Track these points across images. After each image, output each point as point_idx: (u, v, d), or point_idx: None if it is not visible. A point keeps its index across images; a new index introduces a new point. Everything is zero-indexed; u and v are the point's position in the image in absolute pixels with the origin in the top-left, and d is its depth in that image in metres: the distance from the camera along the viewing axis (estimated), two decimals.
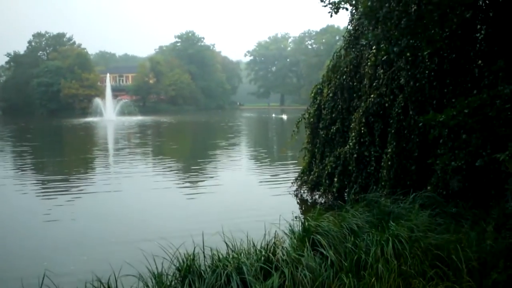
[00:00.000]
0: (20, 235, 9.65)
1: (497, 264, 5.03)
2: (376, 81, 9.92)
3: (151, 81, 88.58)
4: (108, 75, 76.69)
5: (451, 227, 6.61)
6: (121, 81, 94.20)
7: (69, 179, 16.46)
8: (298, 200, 11.85)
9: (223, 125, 47.65)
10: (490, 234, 5.73)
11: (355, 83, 10.73)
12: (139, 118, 59.65)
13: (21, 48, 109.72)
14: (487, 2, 7.98)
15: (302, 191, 12.08)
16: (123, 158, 21.68)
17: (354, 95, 10.73)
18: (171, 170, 17.76)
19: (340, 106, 10.98)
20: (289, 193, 12.39)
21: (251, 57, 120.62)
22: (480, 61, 8.21)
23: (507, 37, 7.55)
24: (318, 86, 12.12)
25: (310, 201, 11.46)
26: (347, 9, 7.30)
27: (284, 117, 57.75)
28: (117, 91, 79.46)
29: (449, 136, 8.11)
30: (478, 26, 8.23)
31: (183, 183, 15.33)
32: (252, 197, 12.95)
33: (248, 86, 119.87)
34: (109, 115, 61.67)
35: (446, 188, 8.23)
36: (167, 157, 22.03)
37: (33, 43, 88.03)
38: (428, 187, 8.41)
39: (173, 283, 5.33)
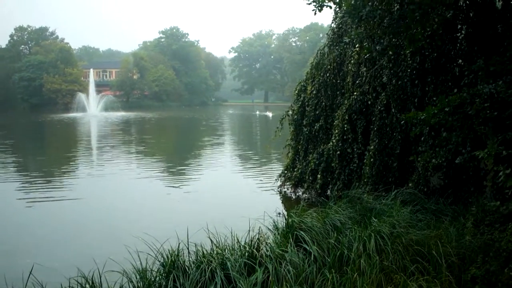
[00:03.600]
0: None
1: (475, 259, 5.12)
2: (359, 79, 9.98)
3: (134, 77, 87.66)
4: (91, 70, 75.50)
5: (432, 223, 6.71)
6: (104, 76, 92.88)
7: (48, 178, 16.21)
8: (282, 197, 11.87)
9: (207, 122, 47.47)
10: (469, 230, 5.82)
11: (338, 81, 10.77)
12: (122, 114, 59.03)
13: (3, 42, 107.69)
14: (467, 2, 8.09)
15: (285, 188, 12.11)
16: (107, 156, 21.41)
17: (338, 92, 10.76)
18: (154, 168, 17.57)
19: (323, 103, 11.02)
20: (273, 190, 12.41)
21: (235, 54, 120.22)
22: (460, 60, 8.33)
23: (486, 37, 7.67)
24: (302, 83, 12.15)
25: (293, 197, 11.49)
26: (330, 7, 7.28)
27: (269, 114, 57.70)
28: (101, 86, 78.35)
29: (430, 133, 8.21)
30: (459, 26, 8.34)
31: (167, 181, 15.20)
32: (237, 194, 12.95)
33: (232, 83, 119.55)
34: (93, 111, 60.89)
35: (427, 185, 8.34)
36: (150, 155, 21.79)
37: (15, 37, 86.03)
38: (410, 184, 8.53)
39: (157, 278, 5.30)
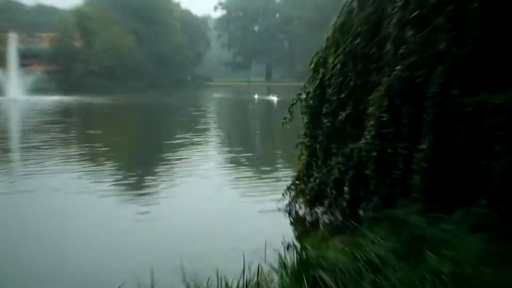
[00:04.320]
0: None
1: None
2: (403, 47, 9.84)
3: (77, 44, 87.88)
4: (12, 34, 75.50)
5: None
6: (32, 43, 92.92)
7: None
8: (292, 219, 11.88)
9: (184, 111, 47.49)
10: None
11: (373, 50, 10.67)
12: (58, 98, 59.05)
13: None
14: None
15: (297, 206, 12.11)
16: (31, 162, 21.26)
17: (372, 66, 10.67)
18: (105, 179, 17.33)
19: (352, 83, 10.95)
20: (279, 209, 12.38)
21: (224, 12, 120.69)
22: None
23: None
24: (321, 54, 12.07)
25: (309, 220, 11.47)
26: None
27: (273, 99, 57.76)
28: (27, 58, 78.23)
29: (511, 125, 8.14)
30: None
31: (124, 200, 15.10)
32: (227, 215, 12.91)
33: (220, 54, 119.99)
34: (13, 93, 60.96)
35: (507, 202, 8.27)
36: (98, 160, 21.59)
37: None
38: (482, 201, 8.45)
39: None
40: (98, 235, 11.45)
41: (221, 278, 6.08)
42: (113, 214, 13.30)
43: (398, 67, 9.83)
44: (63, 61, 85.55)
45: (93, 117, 43.63)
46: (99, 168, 19.80)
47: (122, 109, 51.85)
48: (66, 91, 68.42)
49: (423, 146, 9.27)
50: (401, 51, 9.89)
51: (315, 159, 11.84)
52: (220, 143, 28.76)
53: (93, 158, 22.40)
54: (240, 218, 12.66)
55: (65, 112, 45.13)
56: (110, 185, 16.50)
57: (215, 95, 73.78)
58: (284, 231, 10.67)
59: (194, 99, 62.98)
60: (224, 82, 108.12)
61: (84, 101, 57.54)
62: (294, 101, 12.46)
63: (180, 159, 22.36)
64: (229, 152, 24.76)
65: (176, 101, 60.30)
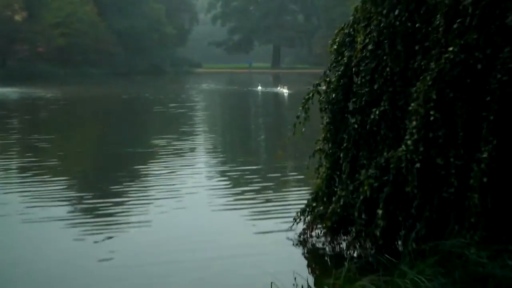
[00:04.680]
0: None
1: None
2: (458, 21, 9.87)
3: (17, 18, 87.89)
4: None
5: None
6: None
7: None
8: (307, 251, 11.94)
9: (163, 108, 47.48)
10: None
11: (417, 25, 10.66)
12: None
13: None
14: None
15: (314, 235, 12.13)
16: None
17: (416, 48, 10.68)
18: (54, 200, 17.32)
19: (388, 70, 10.94)
20: (289, 239, 12.40)
21: None
22: None
23: None
24: (346, 31, 12.09)
25: (329, 253, 11.51)
26: None
27: (283, 91, 57.62)
28: None
29: None
30: None
31: (82, 229, 15.06)
32: (222, 245, 12.88)
33: (211, 30, 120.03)
34: None
35: None
36: (46, 173, 21.49)
37: None
38: None
39: None
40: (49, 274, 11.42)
41: None
42: (70, 251, 13.13)
43: (451, 48, 9.81)
44: None
45: (39, 114, 43.53)
46: (45, 182, 19.67)
47: (79, 106, 51.73)
48: (2, 80, 68.46)
49: (484, 155, 9.23)
50: (455, 25, 9.88)
51: (338, 173, 11.80)
52: (210, 151, 28.72)
53: (37, 169, 22.25)
54: (237, 251, 12.48)
55: (1, 107, 45.04)
56: (60, 205, 16.49)
57: (204, 86, 73.57)
58: (297, 267, 10.50)
59: (175, 92, 62.72)
60: (216, 69, 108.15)
61: (26, 94, 57.45)
62: (310, 95, 12.42)
63: (158, 170, 22.44)
64: (223, 163, 24.75)
65: (151, 94, 60.08)
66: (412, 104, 10.27)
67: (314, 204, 12.19)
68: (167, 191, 18.90)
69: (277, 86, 64.71)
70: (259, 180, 20.24)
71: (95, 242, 13.52)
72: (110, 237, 14.00)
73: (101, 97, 58.04)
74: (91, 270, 11.78)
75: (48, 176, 21.11)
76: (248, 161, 24.97)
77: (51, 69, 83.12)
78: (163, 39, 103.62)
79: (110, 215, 16.38)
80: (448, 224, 9.54)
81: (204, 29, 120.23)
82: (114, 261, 12.22)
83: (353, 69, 11.57)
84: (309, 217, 12.25)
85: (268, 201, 17.10)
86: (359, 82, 11.38)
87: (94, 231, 14.54)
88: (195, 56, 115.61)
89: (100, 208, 16.99)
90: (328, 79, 12.18)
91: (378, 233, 10.41)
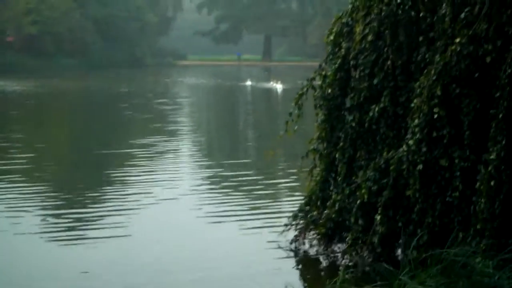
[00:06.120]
0: None
1: None
2: (466, 10, 9.74)
3: None
4: None
5: None
6: None
7: None
8: (298, 261, 11.89)
9: (145, 104, 47.61)
10: None
11: (421, 14, 10.56)
12: None
13: None
14: None
15: (307, 242, 12.05)
16: None
17: (420, 38, 10.59)
18: (25, 205, 17.01)
19: (389, 63, 10.83)
20: (280, 247, 12.32)
21: None
22: None
23: None
24: (344, 21, 11.98)
25: (324, 262, 11.52)
26: None
27: (276, 86, 58.25)
28: None
29: None
30: None
31: (56, 229, 14.96)
32: (207, 255, 12.70)
33: (196, 19, 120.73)
34: None
35: None
36: (14, 172, 21.50)
37: None
38: None
39: None
40: None
41: None
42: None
43: (458, 39, 9.71)
44: None
45: (10, 111, 43.49)
46: (15, 184, 19.60)
47: (52, 98, 51.85)
48: None
49: (492, 156, 9.16)
50: (463, 14, 9.78)
51: (333, 175, 11.76)
52: (195, 151, 28.87)
53: (5, 171, 21.97)
54: (225, 257, 12.45)
55: None
56: (30, 210, 16.24)
57: (188, 80, 73.94)
58: (288, 277, 10.67)
59: (155, 87, 63.16)
60: (201, 61, 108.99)
61: None
62: (304, 90, 12.32)
63: (137, 173, 22.26)
64: (209, 165, 24.67)
65: (130, 88, 60.53)
66: (415, 101, 10.30)
67: (307, 209, 12.21)
68: (148, 196, 18.66)
69: (269, 81, 65.57)
70: (246, 182, 20.31)
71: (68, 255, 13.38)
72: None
73: (74, 91, 58.75)
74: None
75: (21, 175, 21.11)
76: (234, 163, 24.97)
77: (21, 60, 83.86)
78: (144, 28, 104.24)
79: (92, 221, 16.09)
80: (452, 231, 9.58)
81: (189, 17, 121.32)
82: (94, 262, 12.12)
83: (351, 62, 11.53)
84: (300, 223, 12.26)
85: (256, 208, 17.11)
86: (357, 76, 11.34)
87: (70, 245, 14.29)
88: (179, 47, 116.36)
89: (80, 213, 16.76)
90: (323, 72, 12.15)
91: (376, 241, 10.46)
